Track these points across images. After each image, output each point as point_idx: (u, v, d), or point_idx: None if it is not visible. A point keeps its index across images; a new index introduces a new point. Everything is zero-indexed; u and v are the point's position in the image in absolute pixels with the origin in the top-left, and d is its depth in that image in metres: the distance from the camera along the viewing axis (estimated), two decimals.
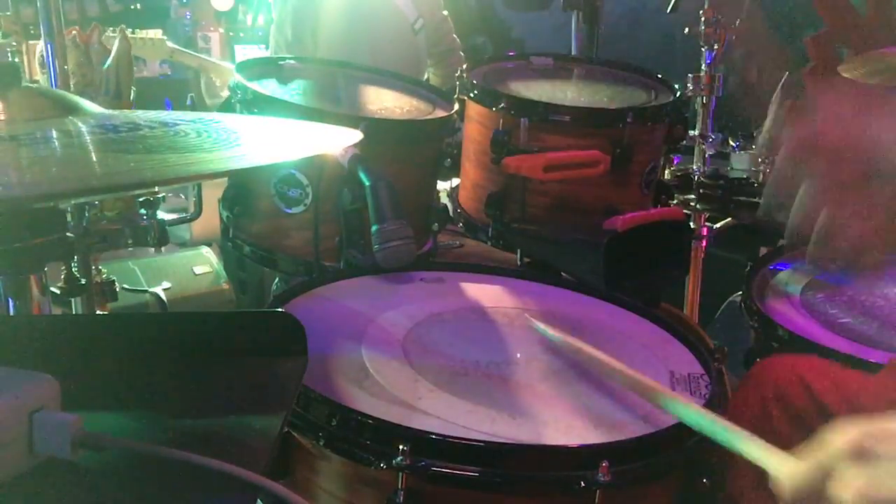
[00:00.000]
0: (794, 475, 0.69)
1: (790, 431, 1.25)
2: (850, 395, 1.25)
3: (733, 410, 1.23)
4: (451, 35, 3.07)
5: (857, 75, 2.11)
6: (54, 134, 0.88)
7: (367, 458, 0.98)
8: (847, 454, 0.65)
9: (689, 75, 2.26)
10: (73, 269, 1.58)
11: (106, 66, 1.69)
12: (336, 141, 1.00)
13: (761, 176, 2.19)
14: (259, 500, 0.69)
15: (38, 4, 1.55)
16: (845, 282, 1.72)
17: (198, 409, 0.77)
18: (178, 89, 3.94)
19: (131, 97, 1.74)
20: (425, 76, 2.99)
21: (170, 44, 3.32)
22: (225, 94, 3.10)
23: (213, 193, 1.75)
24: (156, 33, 3.26)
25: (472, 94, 1.81)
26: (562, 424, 1.05)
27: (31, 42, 2.57)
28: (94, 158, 0.81)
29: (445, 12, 3.03)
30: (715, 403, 1.12)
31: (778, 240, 2.09)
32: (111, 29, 2.24)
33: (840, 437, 0.66)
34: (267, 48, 3.25)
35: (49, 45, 1.58)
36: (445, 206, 1.83)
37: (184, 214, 1.82)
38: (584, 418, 1.07)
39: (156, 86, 4.05)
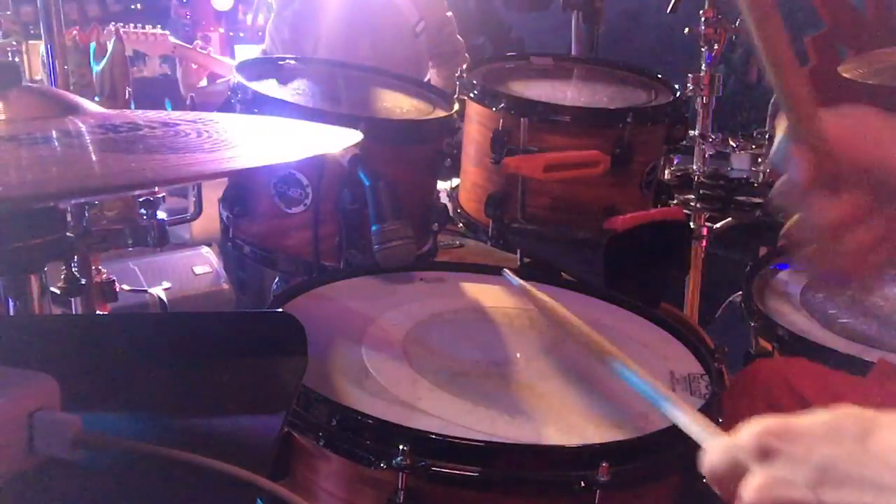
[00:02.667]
0: (711, 457, 0.68)
1: None
2: (838, 398, 1.26)
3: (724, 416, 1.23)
4: (454, 36, 3.06)
5: (857, 75, 2.11)
6: (54, 134, 0.88)
7: (367, 458, 0.98)
8: (752, 451, 0.64)
9: (689, 75, 2.26)
10: (73, 269, 1.58)
11: (100, 66, 1.68)
12: (336, 141, 1.00)
13: (761, 176, 2.19)
14: (259, 500, 0.69)
15: (38, 4, 1.54)
16: (845, 282, 1.71)
17: (198, 409, 0.77)
18: (178, 89, 3.94)
19: (126, 97, 1.73)
20: (426, 78, 2.99)
21: (172, 39, 3.33)
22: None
23: (213, 193, 1.75)
24: (157, 30, 3.27)
25: (472, 94, 1.80)
26: (562, 424, 1.05)
27: (31, 42, 2.58)
28: (94, 158, 0.81)
29: (449, 13, 3.03)
30: (715, 403, 1.12)
31: (778, 240, 2.09)
32: (112, 24, 2.24)
33: (748, 432, 0.65)
34: None
35: (49, 45, 1.58)
36: (445, 206, 1.83)
37: (184, 214, 1.82)
38: (584, 418, 1.07)
39: (156, 85, 4.05)
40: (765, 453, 0.63)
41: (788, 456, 0.62)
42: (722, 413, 1.12)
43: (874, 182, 0.80)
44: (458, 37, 3.06)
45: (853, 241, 0.80)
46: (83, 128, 0.90)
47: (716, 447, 0.68)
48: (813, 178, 0.80)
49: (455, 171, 1.89)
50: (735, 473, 0.65)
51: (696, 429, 0.76)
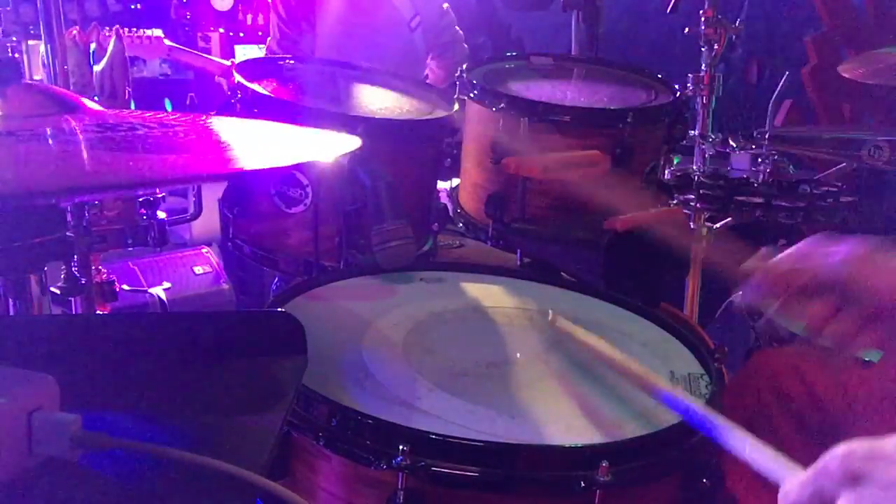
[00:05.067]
0: (793, 493, 0.67)
1: (785, 421, 1.25)
2: (844, 383, 1.26)
3: (728, 402, 1.23)
4: (452, 27, 3.06)
5: (857, 75, 2.11)
6: (51, 132, 0.88)
7: (367, 458, 0.98)
8: (839, 476, 0.63)
9: (689, 75, 2.25)
10: (73, 269, 1.58)
11: (100, 66, 1.67)
12: (336, 143, 1.00)
13: (761, 176, 2.19)
14: (259, 500, 0.69)
15: (38, 4, 1.54)
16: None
17: (198, 409, 0.77)
18: (178, 89, 3.95)
19: (126, 97, 1.73)
20: (425, 73, 3.00)
21: (167, 42, 3.33)
22: None
23: (213, 193, 1.75)
24: (152, 33, 3.27)
25: (472, 94, 1.80)
26: (562, 424, 1.05)
27: (31, 42, 2.57)
28: (92, 157, 0.81)
29: (446, 5, 3.03)
30: (715, 403, 1.12)
31: (778, 240, 2.09)
32: (107, 29, 2.23)
33: (833, 459, 0.64)
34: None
35: (49, 45, 1.58)
36: (445, 206, 1.83)
37: (184, 214, 1.82)
38: (584, 418, 1.07)
39: (155, 86, 4.05)
40: (853, 478, 0.62)
41: (878, 480, 0.61)
42: (722, 412, 1.12)
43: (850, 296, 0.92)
44: (457, 28, 3.06)
45: (831, 332, 0.93)
46: (81, 126, 0.90)
47: (797, 481, 0.67)
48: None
49: (455, 171, 1.89)
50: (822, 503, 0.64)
51: (769, 461, 0.75)
